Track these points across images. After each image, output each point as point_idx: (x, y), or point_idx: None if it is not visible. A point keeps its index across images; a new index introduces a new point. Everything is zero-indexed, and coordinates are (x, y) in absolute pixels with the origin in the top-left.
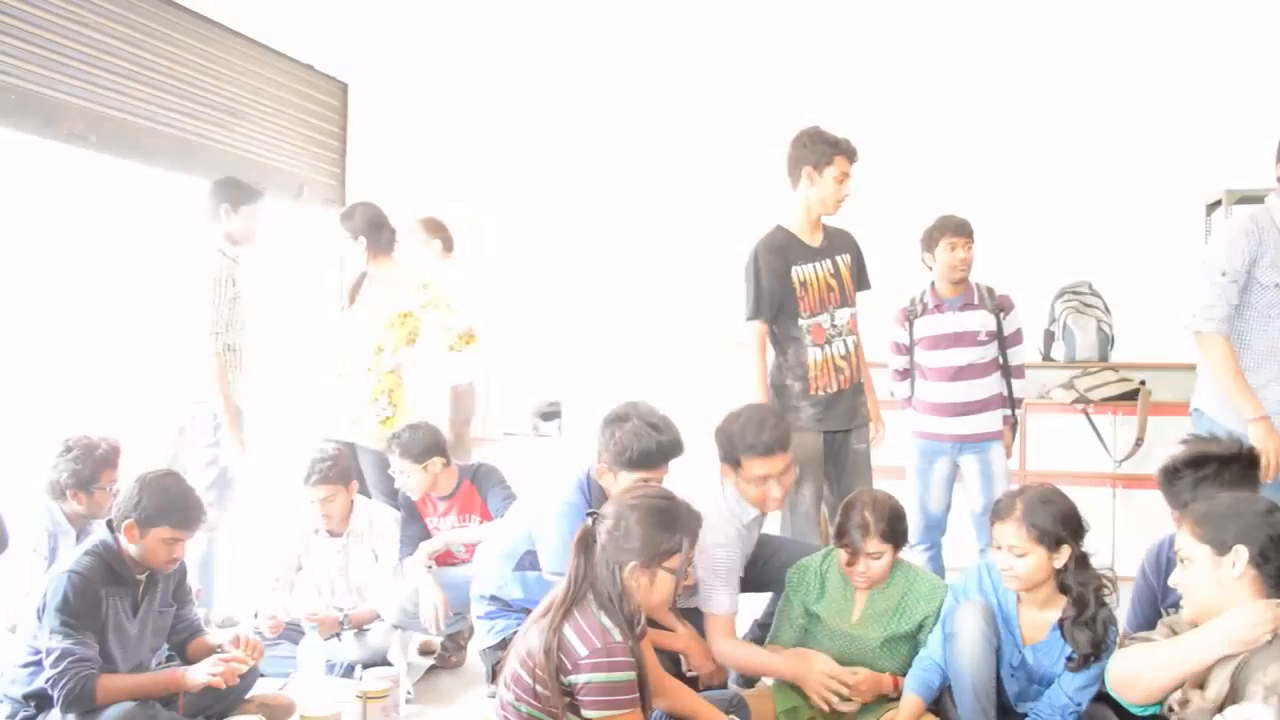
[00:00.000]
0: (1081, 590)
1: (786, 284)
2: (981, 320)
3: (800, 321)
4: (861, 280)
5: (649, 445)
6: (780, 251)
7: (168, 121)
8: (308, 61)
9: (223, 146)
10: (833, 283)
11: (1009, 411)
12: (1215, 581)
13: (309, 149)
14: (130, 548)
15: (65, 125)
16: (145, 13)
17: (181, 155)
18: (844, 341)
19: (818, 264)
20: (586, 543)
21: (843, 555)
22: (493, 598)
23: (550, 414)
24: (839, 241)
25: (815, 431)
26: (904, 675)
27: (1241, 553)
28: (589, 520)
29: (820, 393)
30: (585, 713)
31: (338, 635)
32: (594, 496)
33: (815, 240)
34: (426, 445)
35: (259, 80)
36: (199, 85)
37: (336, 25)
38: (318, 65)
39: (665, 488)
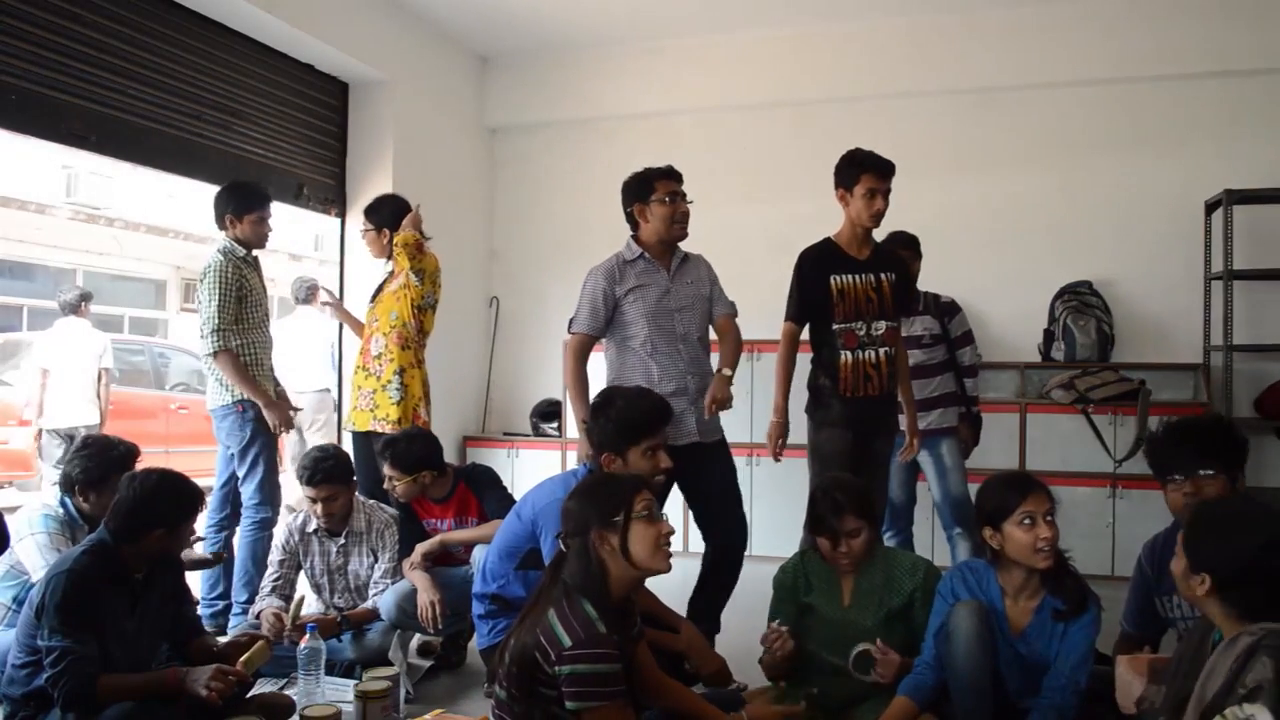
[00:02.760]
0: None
1: (823, 290)
2: (925, 324)
3: (834, 326)
4: (906, 301)
5: (645, 408)
6: (820, 259)
7: (168, 121)
8: (308, 61)
9: (223, 146)
10: (873, 295)
11: (964, 408)
12: (1189, 590)
13: (309, 149)
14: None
15: (65, 125)
16: (145, 13)
17: (181, 155)
18: (877, 351)
19: (858, 275)
20: (558, 561)
21: (824, 544)
22: (493, 597)
23: (550, 414)
24: (886, 260)
25: (843, 428)
26: (907, 654)
27: (1206, 580)
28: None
29: (849, 394)
30: (568, 704)
31: (337, 636)
32: None
33: (861, 254)
34: (418, 458)
35: (259, 80)
36: (199, 85)
37: (337, 25)
38: (318, 65)
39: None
